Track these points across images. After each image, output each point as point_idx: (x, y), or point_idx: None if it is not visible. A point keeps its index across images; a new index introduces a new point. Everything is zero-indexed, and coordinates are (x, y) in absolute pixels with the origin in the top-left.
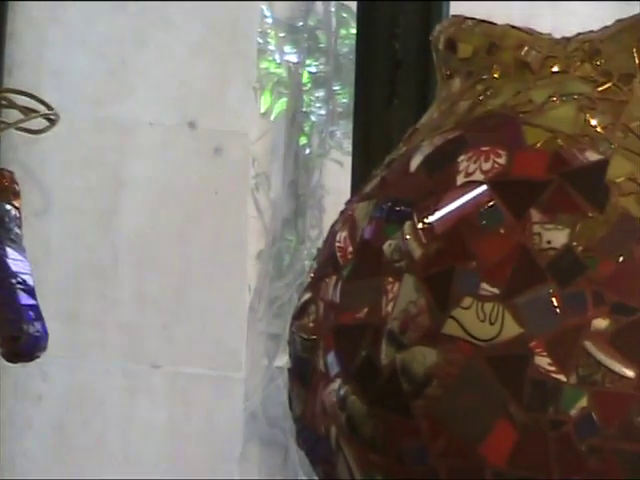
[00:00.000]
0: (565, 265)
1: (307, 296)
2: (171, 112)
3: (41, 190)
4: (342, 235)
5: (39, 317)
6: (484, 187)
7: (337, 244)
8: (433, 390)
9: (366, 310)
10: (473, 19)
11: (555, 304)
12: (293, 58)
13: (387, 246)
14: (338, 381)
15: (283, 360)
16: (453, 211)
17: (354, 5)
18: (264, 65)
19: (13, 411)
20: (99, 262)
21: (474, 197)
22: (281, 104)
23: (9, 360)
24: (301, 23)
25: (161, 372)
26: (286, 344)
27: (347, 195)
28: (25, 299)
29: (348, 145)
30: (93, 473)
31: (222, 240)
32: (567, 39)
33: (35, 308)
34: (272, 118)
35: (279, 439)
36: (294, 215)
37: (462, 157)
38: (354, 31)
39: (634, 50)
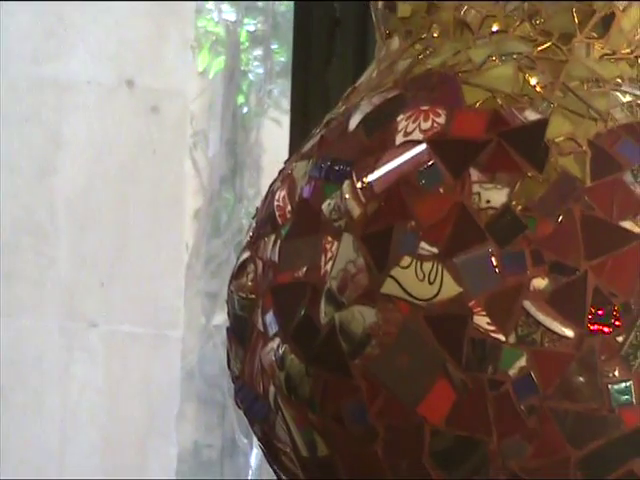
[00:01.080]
0: (504, 224)
1: (245, 255)
2: (109, 71)
3: None
4: (281, 194)
5: None
6: (423, 146)
7: (276, 203)
8: (372, 349)
9: (305, 269)
10: None
11: (494, 263)
12: (231, 17)
13: (326, 205)
14: (277, 340)
15: (221, 319)
16: (392, 170)
17: None
18: (202, 24)
19: None
20: (36, 220)
21: (413, 156)
22: (219, 63)
23: None
24: None
25: (98, 330)
26: (224, 303)
27: (285, 154)
28: None
29: (286, 104)
30: (30, 431)
31: (160, 198)
32: None
33: None
34: (210, 77)
35: (216, 398)
36: (232, 173)
37: (401, 116)
38: None
39: (573, 10)
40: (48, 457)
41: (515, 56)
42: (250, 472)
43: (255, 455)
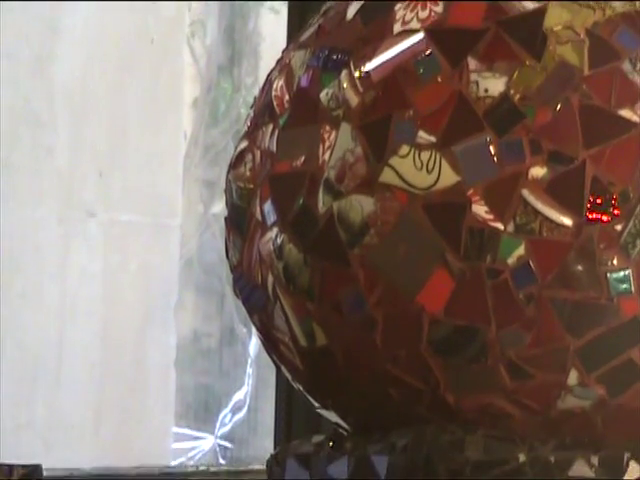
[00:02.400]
0: (502, 113)
1: (243, 145)
2: None
3: None
4: (278, 84)
5: None
6: (421, 35)
7: (273, 93)
8: (370, 239)
9: (303, 159)
10: None
11: (492, 152)
12: None
13: (324, 95)
14: (275, 230)
15: (219, 207)
16: (390, 60)
17: None
18: None
19: None
20: (34, 110)
21: (411, 46)
22: None
23: None
24: None
25: (97, 220)
26: (222, 191)
27: (283, 43)
28: None
29: None
30: (29, 321)
31: (158, 87)
32: None
33: None
34: None
35: (215, 286)
36: (230, 62)
37: (399, 5)
38: None
39: None
40: (46, 347)
41: None
42: (249, 360)
43: (254, 344)
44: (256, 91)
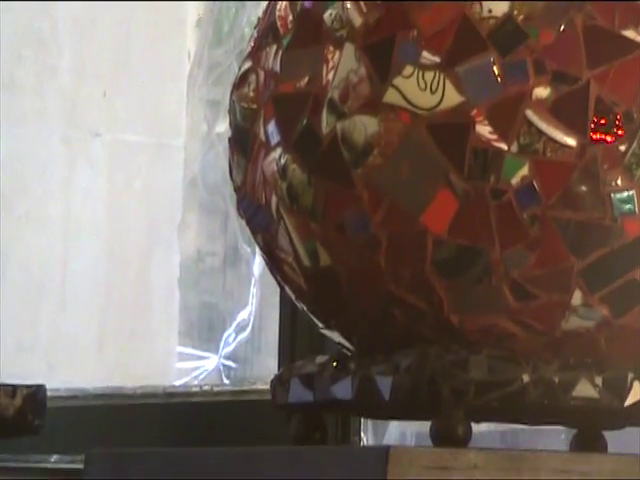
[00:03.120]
0: (506, 34)
1: (247, 65)
2: None
3: None
4: (282, 4)
5: None
6: None
7: (277, 13)
8: (374, 159)
9: (306, 79)
10: None
11: (496, 73)
12: None
13: (327, 15)
14: (278, 150)
15: (223, 127)
16: None
17: None
18: None
19: None
20: (37, 29)
21: None
22: None
23: None
24: None
25: (101, 140)
26: (226, 111)
27: None
28: None
29: None
30: (33, 241)
31: (161, 6)
32: None
33: None
34: None
35: (219, 206)
36: None
37: None
38: None
39: None
40: (50, 267)
41: None
42: (253, 280)
43: (258, 264)
44: (260, 11)
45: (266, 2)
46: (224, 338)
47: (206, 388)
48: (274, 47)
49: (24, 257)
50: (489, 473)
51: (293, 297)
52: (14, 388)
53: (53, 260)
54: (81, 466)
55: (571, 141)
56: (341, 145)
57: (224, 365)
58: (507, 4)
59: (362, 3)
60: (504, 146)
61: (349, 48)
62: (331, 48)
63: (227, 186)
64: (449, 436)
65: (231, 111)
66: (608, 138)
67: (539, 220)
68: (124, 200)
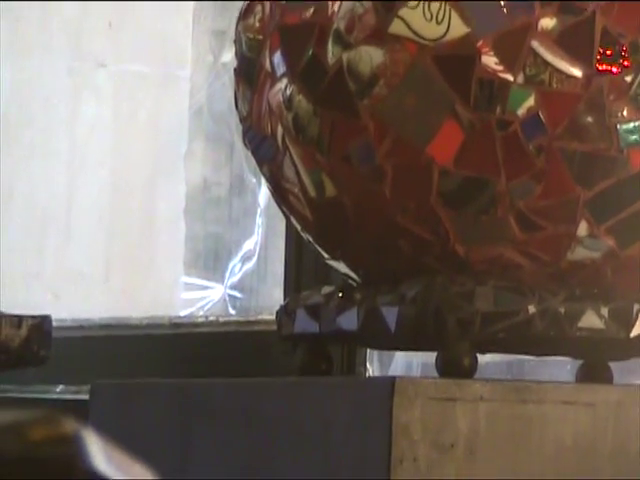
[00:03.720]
0: None
1: None
2: None
3: None
4: None
5: None
6: None
7: None
8: (380, 90)
9: (312, 9)
10: None
11: (502, 4)
12: None
13: None
14: (284, 81)
15: (229, 56)
16: None
17: None
18: None
19: None
20: None
21: None
22: None
23: None
24: None
25: (107, 71)
26: (232, 41)
27: None
28: None
29: None
30: (38, 173)
31: None
32: None
33: None
34: None
35: (225, 135)
36: None
37: None
38: None
39: None
40: (56, 198)
41: None
42: (259, 210)
43: (263, 194)
44: None
45: None
46: (230, 268)
47: (212, 318)
48: None
49: (29, 188)
50: (495, 404)
51: (299, 228)
52: (19, 319)
53: (58, 191)
54: (87, 397)
55: (577, 72)
56: (347, 76)
57: (230, 295)
58: None
59: None
60: (510, 77)
61: None
62: None
63: (233, 116)
64: (455, 367)
65: (237, 42)
66: (614, 69)
67: (545, 151)
68: (130, 130)
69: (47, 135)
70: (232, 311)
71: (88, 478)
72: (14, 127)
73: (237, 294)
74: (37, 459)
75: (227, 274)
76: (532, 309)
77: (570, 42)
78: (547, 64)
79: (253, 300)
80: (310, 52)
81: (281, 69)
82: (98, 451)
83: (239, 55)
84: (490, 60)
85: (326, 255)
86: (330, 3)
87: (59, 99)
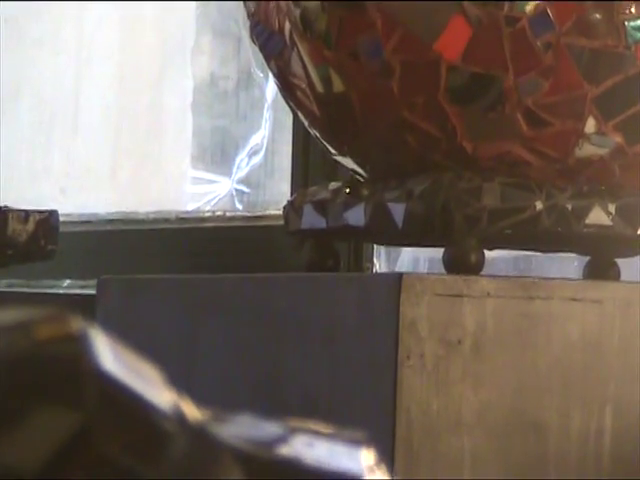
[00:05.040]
0: None
1: None
2: None
3: None
4: None
5: None
6: None
7: None
8: None
9: None
10: None
11: None
12: None
13: None
14: None
15: None
16: None
17: None
18: None
19: None
20: None
21: None
22: None
23: None
24: None
25: None
26: None
27: None
28: None
29: None
30: (46, 68)
31: None
32: None
33: None
34: None
35: (232, 29)
36: None
37: None
38: None
39: None
40: (63, 94)
41: None
42: (266, 105)
43: (271, 88)
44: None
45: None
46: (237, 162)
47: (219, 213)
48: None
49: (37, 84)
50: (502, 301)
51: (306, 123)
52: (27, 213)
53: (66, 86)
54: (94, 292)
55: None
56: None
57: (237, 190)
58: None
59: None
60: None
61: None
62: None
63: (240, 9)
64: (462, 264)
65: None
66: None
67: (553, 47)
68: (137, 25)
69: (55, 30)
70: (239, 206)
71: (95, 376)
72: (22, 21)
73: (244, 189)
74: (44, 358)
75: (234, 168)
76: (539, 205)
77: None
78: None
79: (260, 195)
80: None
81: None
82: (105, 350)
83: None
84: None
85: (333, 151)
86: None
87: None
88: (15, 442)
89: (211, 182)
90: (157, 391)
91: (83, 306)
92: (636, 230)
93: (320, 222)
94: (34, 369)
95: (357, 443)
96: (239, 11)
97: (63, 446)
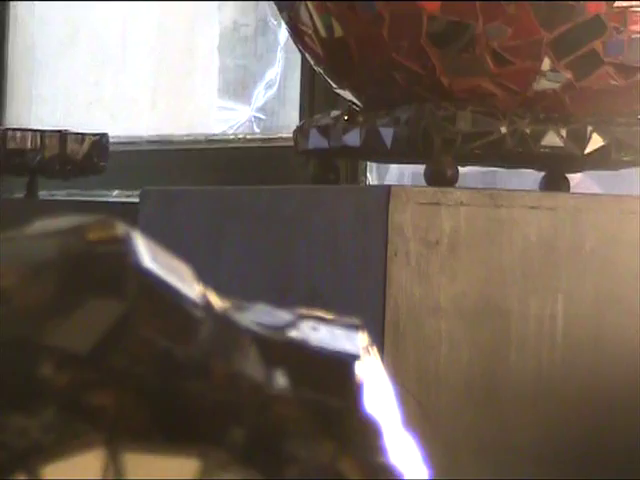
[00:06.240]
0: None
1: None
2: None
3: None
4: None
5: None
6: None
7: None
8: None
9: None
10: None
11: None
12: None
13: None
14: None
15: None
16: None
17: None
18: None
19: None
20: None
21: None
22: None
23: None
24: None
25: None
26: None
27: None
28: None
29: None
30: (97, 13)
31: None
32: None
33: None
34: None
35: None
36: None
37: None
38: None
39: None
40: (113, 39)
41: None
42: (279, 47)
43: (283, 33)
44: None
45: None
46: (255, 95)
47: (240, 136)
48: None
49: (92, 28)
50: (473, 208)
51: (312, 63)
52: (82, 136)
53: (115, 31)
54: (137, 200)
55: None
56: None
57: (255, 117)
58: None
59: None
60: None
61: None
62: None
63: None
64: (440, 177)
65: None
66: None
67: (515, 0)
68: None
69: None
70: (257, 130)
71: (136, 272)
72: None
73: (261, 116)
74: (94, 257)
75: (253, 99)
76: (503, 130)
77: None
78: None
79: (274, 121)
80: None
81: None
82: (144, 249)
83: None
84: None
85: (334, 85)
86: None
87: None
88: (70, 327)
89: (233, 110)
90: (188, 284)
91: (128, 213)
92: (583, 150)
93: (323, 143)
94: (86, 266)
95: (354, 327)
96: None
97: (109, 330)
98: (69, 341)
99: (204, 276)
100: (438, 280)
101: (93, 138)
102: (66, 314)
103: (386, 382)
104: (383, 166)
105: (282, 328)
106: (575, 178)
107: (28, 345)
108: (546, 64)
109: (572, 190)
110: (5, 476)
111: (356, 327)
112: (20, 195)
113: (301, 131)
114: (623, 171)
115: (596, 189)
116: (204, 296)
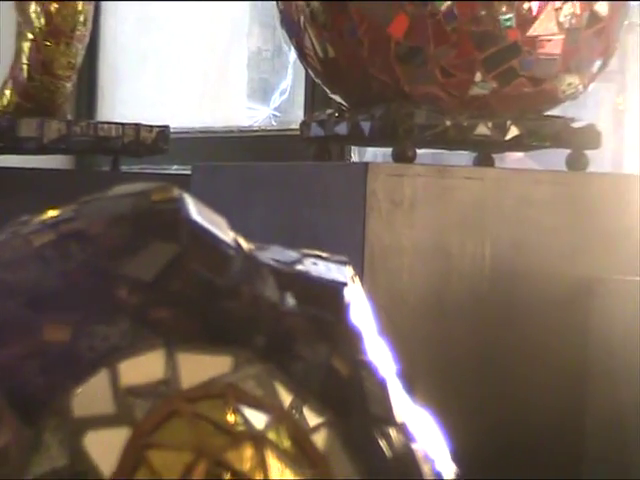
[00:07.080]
0: None
1: None
2: None
3: None
4: None
5: None
6: None
7: None
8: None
9: None
10: None
11: None
12: None
13: None
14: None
15: None
16: None
17: None
18: None
19: None
20: None
21: None
22: None
23: None
24: None
25: None
26: None
27: None
28: None
29: None
30: (153, 42)
31: None
32: None
33: None
34: None
35: (270, 22)
36: None
37: None
38: None
39: None
40: (170, 57)
41: None
42: (289, 65)
43: (292, 56)
44: None
45: None
46: (272, 99)
47: (262, 128)
48: None
49: (157, 50)
50: (427, 179)
51: (313, 76)
52: (151, 127)
53: (174, 53)
54: (189, 173)
55: None
56: None
57: (272, 115)
58: None
59: None
60: None
61: None
62: None
63: (275, 8)
64: (403, 156)
65: None
66: None
67: (457, 31)
68: (216, 18)
69: (168, 14)
70: (274, 123)
71: (186, 222)
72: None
73: (277, 114)
74: (156, 211)
75: (271, 103)
76: (448, 123)
77: None
78: None
79: (286, 117)
80: None
81: None
82: (193, 207)
83: None
84: None
85: (329, 91)
86: None
87: None
88: (139, 261)
89: (257, 110)
90: (224, 232)
91: (183, 182)
92: (504, 137)
93: (320, 132)
94: (150, 218)
95: (343, 263)
96: (274, 9)
97: (167, 265)
98: (138, 271)
99: (235, 226)
100: (401, 229)
101: (158, 129)
102: (136, 252)
103: (365, 302)
104: (362, 149)
105: (291, 263)
106: (515, 156)
107: (109, 274)
108: (478, 76)
109: (509, 164)
110: (91, 370)
111: (344, 262)
112: (107, 169)
113: (305, 124)
114: (552, 150)
115: (531, 164)
116: (235, 240)
